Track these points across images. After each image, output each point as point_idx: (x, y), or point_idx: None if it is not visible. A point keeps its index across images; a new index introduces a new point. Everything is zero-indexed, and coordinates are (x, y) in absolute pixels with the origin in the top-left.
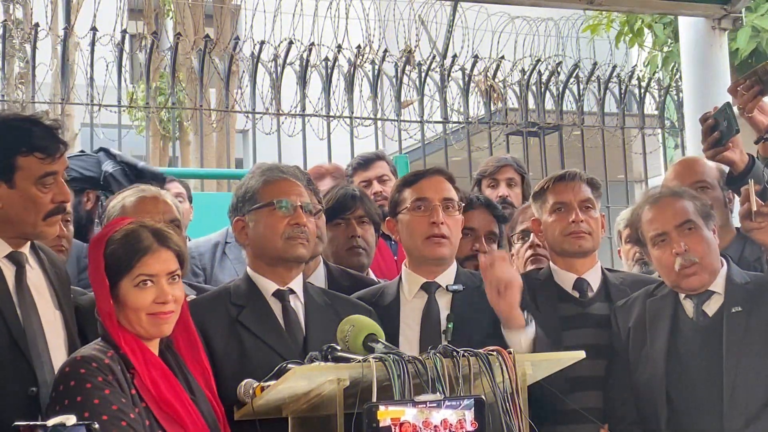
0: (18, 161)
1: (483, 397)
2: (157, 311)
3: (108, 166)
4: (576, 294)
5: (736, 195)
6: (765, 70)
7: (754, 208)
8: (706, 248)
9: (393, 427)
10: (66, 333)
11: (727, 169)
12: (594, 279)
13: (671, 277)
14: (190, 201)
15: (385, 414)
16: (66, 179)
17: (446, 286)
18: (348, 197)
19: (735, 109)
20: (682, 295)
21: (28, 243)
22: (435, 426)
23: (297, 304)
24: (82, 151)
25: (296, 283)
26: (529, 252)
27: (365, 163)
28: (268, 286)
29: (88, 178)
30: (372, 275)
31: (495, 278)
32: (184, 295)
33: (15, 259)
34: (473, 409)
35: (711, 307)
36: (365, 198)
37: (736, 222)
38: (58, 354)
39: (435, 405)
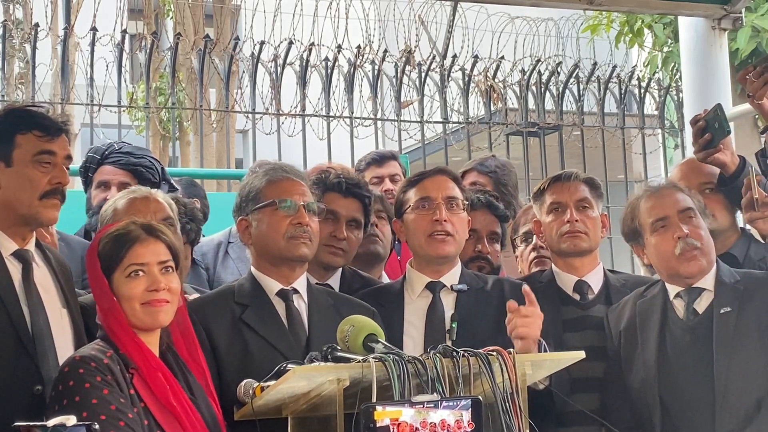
0: (17, 139)
1: (480, 397)
2: (150, 299)
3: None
4: (577, 296)
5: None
6: None
7: (756, 196)
8: (707, 237)
9: (391, 426)
10: (73, 331)
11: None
12: (595, 281)
13: (671, 262)
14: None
15: (384, 414)
16: (68, 168)
17: (451, 286)
18: None
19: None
20: (672, 294)
21: (34, 240)
22: (432, 426)
23: (300, 304)
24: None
25: (300, 283)
26: (533, 254)
27: (380, 159)
28: (271, 285)
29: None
30: (385, 278)
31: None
32: (179, 288)
33: (21, 256)
34: (470, 409)
35: (701, 305)
36: (382, 197)
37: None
38: (64, 352)
39: (432, 405)
